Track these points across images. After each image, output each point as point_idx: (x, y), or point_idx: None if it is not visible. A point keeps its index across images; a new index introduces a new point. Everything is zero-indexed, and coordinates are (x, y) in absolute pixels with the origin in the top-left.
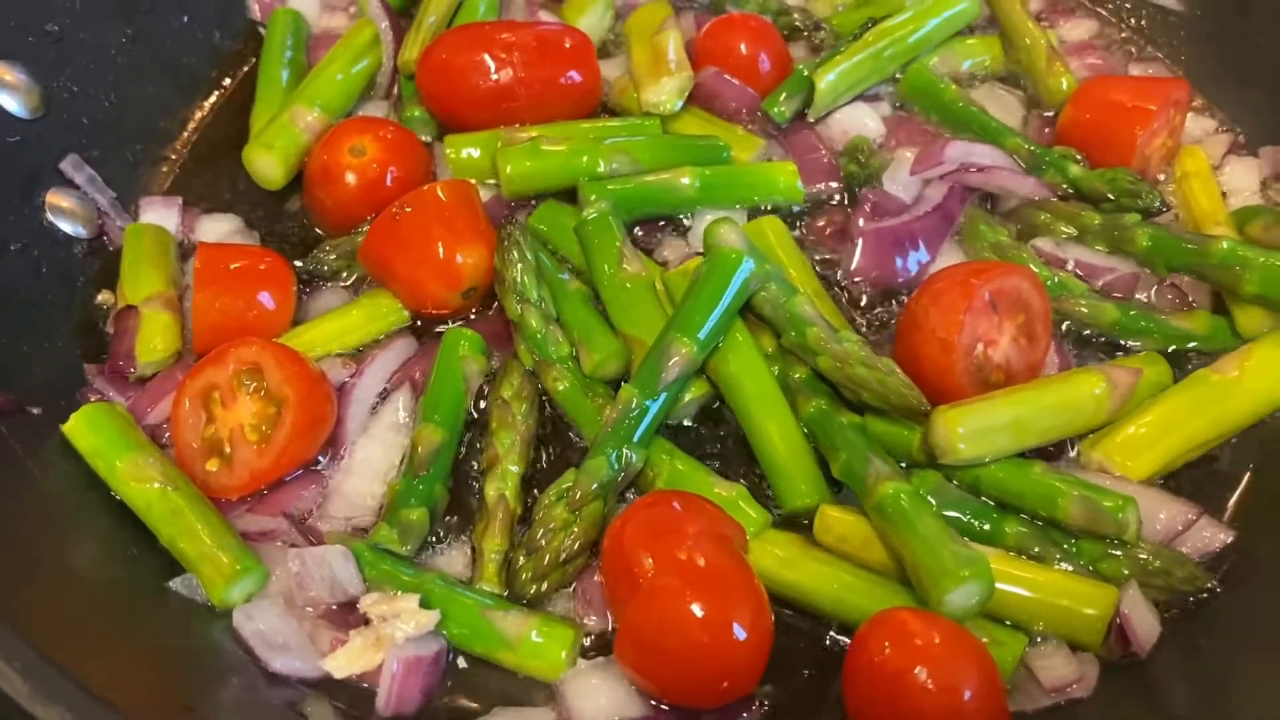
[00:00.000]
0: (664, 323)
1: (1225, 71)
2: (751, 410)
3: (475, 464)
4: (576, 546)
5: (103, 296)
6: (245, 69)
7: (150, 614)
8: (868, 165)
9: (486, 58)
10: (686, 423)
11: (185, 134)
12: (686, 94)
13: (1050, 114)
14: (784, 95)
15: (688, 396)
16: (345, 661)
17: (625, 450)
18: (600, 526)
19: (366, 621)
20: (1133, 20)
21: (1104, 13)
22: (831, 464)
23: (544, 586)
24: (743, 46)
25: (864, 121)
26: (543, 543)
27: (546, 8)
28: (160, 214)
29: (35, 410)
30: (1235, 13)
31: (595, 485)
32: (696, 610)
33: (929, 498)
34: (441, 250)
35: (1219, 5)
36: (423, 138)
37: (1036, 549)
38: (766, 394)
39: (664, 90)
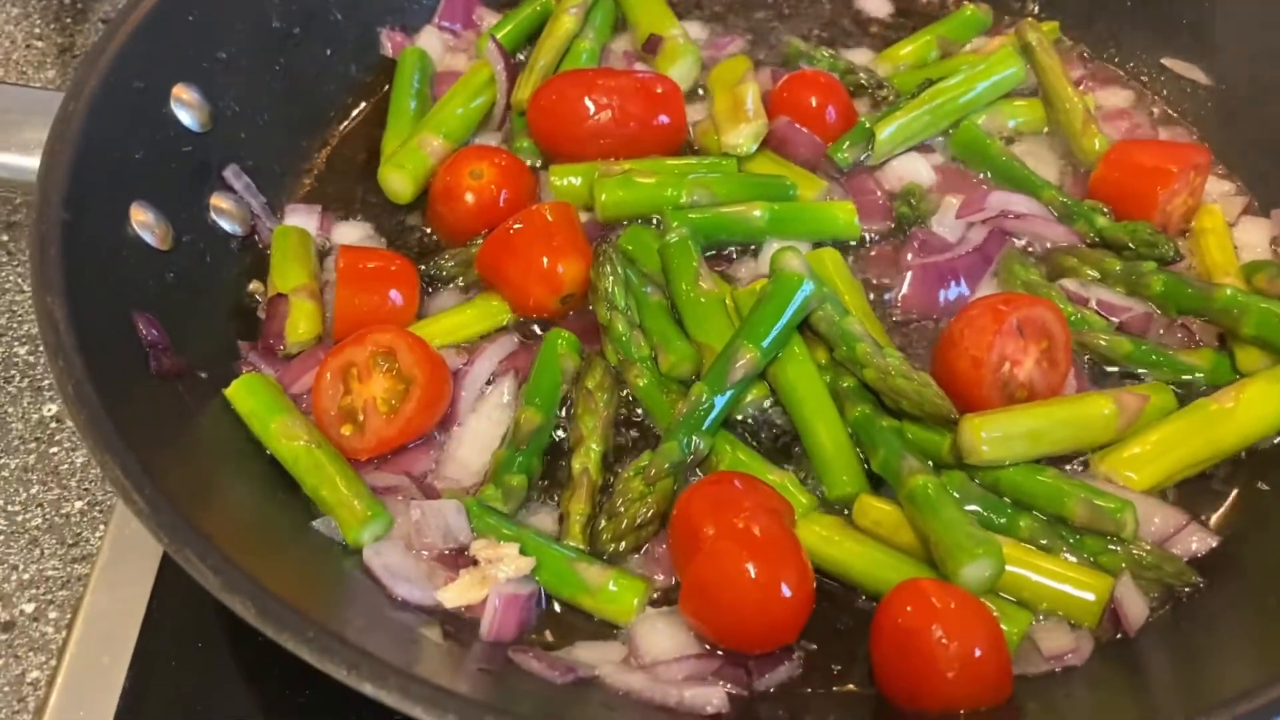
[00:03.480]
0: (731, 333)
1: (1244, 141)
2: (805, 411)
3: (565, 442)
4: (650, 514)
5: (254, 286)
6: (375, 98)
7: (296, 546)
8: (918, 208)
9: (588, 100)
10: (748, 419)
11: (324, 150)
12: (761, 139)
13: (1084, 170)
14: (847, 143)
15: (750, 396)
16: (455, 594)
17: (694, 438)
18: (670, 500)
19: (474, 563)
20: (1165, 91)
21: (1138, 84)
22: (871, 460)
23: (622, 546)
24: (813, 100)
25: (917, 170)
26: (621, 509)
27: (641, 58)
28: (303, 218)
29: (203, 374)
30: (1256, 90)
31: (668, 465)
32: (750, 569)
33: (954, 492)
34: (545, 262)
35: (1242, 83)
36: (530, 165)
37: (1045, 541)
38: (818, 398)
39: (741, 134)
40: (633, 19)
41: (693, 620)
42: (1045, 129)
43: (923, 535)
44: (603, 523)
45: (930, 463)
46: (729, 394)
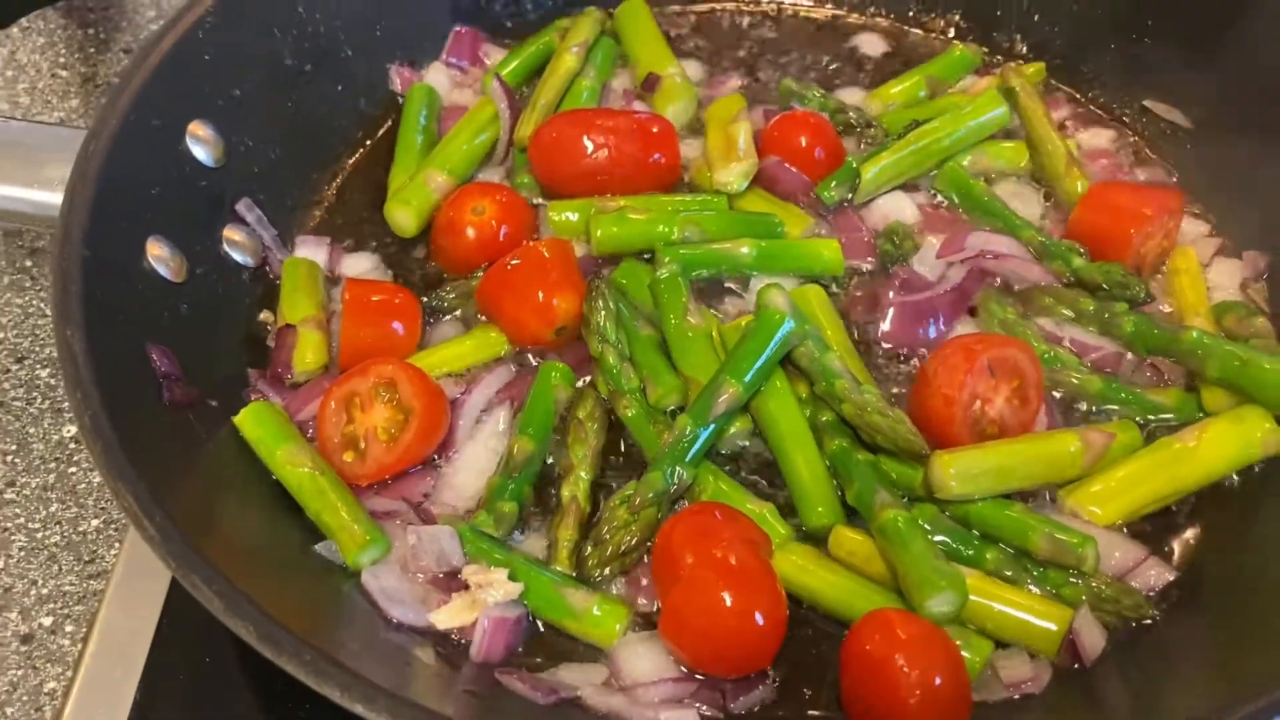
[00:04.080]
0: (717, 366)
1: (1220, 183)
2: (784, 444)
3: (555, 469)
4: (634, 542)
5: (264, 316)
6: (382, 131)
7: (298, 569)
8: (900, 247)
9: (586, 140)
10: (730, 451)
11: (333, 183)
12: (750, 178)
13: (1066, 209)
14: (834, 182)
15: (733, 429)
16: (447, 616)
17: (678, 468)
18: (654, 528)
19: (466, 587)
20: (1146, 132)
21: (1120, 125)
22: (846, 492)
23: (606, 571)
24: (802, 139)
25: (902, 209)
26: (607, 537)
27: (640, 97)
28: (312, 250)
29: (213, 403)
30: (1234, 134)
31: (652, 494)
32: (725, 598)
33: (925, 524)
34: (541, 296)
35: (1219, 126)
36: (530, 200)
37: (1009, 572)
38: (798, 431)
39: (732, 173)
40: (633, 57)
41: (672, 645)
42: (1028, 171)
43: (892, 566)
44: (589, 549)
45: (904, 496)
46: (712, 426)
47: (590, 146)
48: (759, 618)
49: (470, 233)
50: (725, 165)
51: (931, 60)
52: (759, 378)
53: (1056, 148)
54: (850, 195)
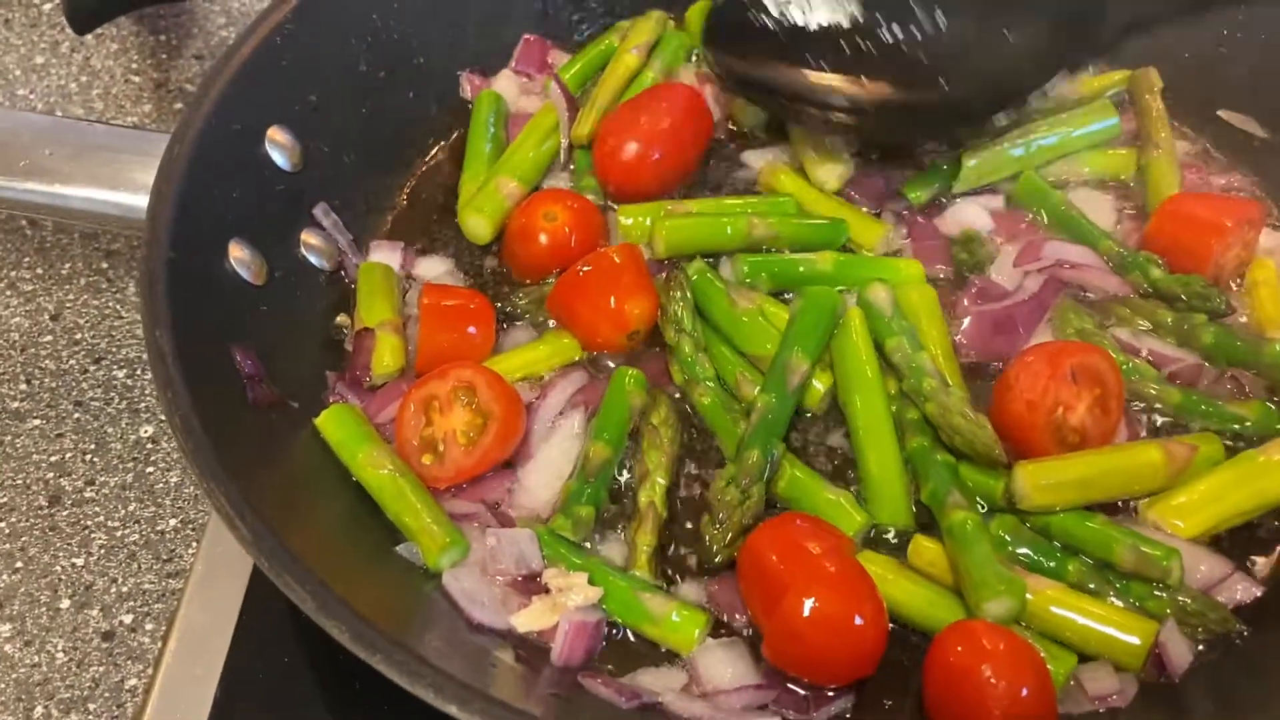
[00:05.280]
0: (778, 339)
1: None
2: (866, 436)
3: (630, 474)
4: (751, 520)
5: (340, 319)
6: (452, 137)
7: (380, 570)
8: (976, 255)
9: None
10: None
11: (405, 188)
12: (845, 180)
13: (1139, 219)
14: (921, 183)
15: (813, 402)
16: (528, 619)
17: (772, 444)
18: (758, 511)
19: (545, 590)
20: (1223, 144)
21: (1195, 136)
22: (921, 490)
23: (727, 554)
24: None
25: (977, 217)
26: (723, 518)
27: (711, 81)
28: (386, 254)
29: (294, 404)
30: None
31: (756, 471)
32: (841, 607)
33: (1005, 535)
34: (613, 302)
35: None
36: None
37: (1093, 585)
38: (881, 426)
39: (831, 173)
40: None
41: (775, 657)
42: (1130, 179)
43: (955, 567)
44: (712, 531)
45: (984, 507)
46: (790, 400)
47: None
48: (869, 626)
49: (543, 239)
50: (823, 165)
51: None
52: (820, 345)
53: (1169, 149)
54: (938, 199)
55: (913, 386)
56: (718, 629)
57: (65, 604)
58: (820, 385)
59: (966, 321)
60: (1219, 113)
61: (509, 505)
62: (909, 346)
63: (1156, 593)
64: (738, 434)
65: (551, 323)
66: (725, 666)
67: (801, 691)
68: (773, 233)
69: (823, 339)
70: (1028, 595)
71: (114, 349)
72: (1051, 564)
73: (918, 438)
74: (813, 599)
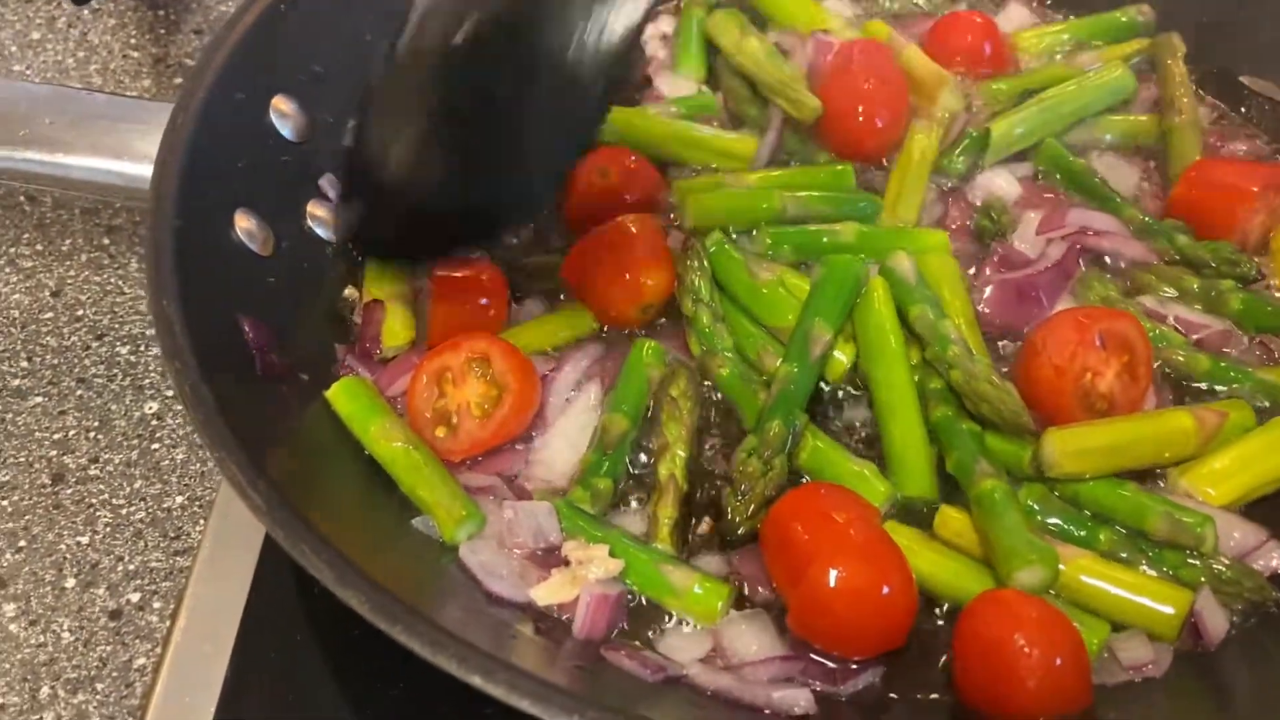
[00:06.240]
0: (799, 309)
1: None
2: (890, 407)
3: (650, 446)
4: (774, 492)
5: (348, 291)
6: None
7: (396, 543)
8: (999, 222)
9: None
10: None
11: None
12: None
13: (1162, 187)
14: (959, 152)
15: (834, 373)
16: (547, 592)
17: (793, 414)
18: (781, 483)
19: (564, 563)
20: (1244, 108)
21: (1216, 101)
22: (946, 460)
23: (750, 526)
24: (969, 37)
25: (1002, 184)
26: (746, 490)
27: None
28: None
29: (304, 376)
30: None
31: (778, 442)
32: (872, 581)
33: (1034, 504)
34: (629, 275)
35: None
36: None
37: (1125, 554)
38: (904, 395)
39: (951, 95)
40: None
41: (801, 629)
42: (1151, 142)
43: (984, 537)
44: (734, 503)
45: (1009, 474)
46: (812, 370)
47: None
48: (899, 596)
49: (592, 195)
50: (941, 91)
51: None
52: (842, 315)
53: (1192, 114)
54: (978, 164)
55: (937, 354)
56: (740, 602)
57: (71, 583)
58: (844, 357)
59: (989, 290)
60: (1241, 78)
61: (525, 478)
62: (932, 315)
63: (1190, 561)
64: (758, 405)
65: (563, 296)
66: (750, 639)
67: (830, 664)
68: (804, 211)
69: (845, 308)
70: (1059, 565)
71: (116, 325)
72: (1082, 533)
73: (942, 407)
74: (839, 569)
